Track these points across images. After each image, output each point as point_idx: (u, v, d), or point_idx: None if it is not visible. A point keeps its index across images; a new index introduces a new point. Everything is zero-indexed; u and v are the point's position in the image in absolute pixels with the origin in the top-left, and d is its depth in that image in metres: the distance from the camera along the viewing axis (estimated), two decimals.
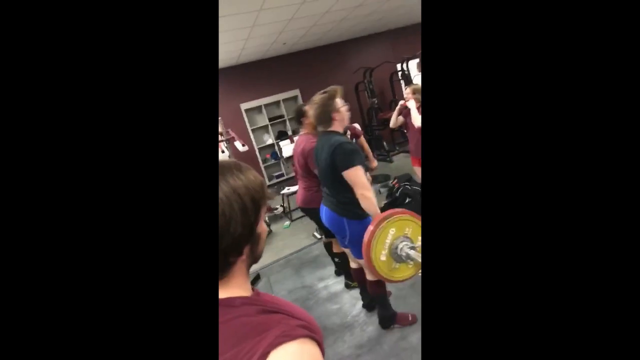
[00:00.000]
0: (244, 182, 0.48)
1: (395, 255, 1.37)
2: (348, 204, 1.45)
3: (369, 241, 1.34)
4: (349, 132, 2.93)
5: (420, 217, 1.39)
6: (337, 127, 1.48)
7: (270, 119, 5.62)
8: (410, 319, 1.71)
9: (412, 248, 1.37)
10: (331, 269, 2.49)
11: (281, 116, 5.68)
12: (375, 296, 1.67)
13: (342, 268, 2.23)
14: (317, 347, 0.43)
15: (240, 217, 0.46)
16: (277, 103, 5.67)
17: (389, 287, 1.87)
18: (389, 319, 1.72)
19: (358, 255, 1.54)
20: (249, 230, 0.48)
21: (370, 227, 1.34)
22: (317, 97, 1.47)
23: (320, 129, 1.53)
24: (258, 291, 0.52)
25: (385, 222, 1.34)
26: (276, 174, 5.72)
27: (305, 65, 5.65)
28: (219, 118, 5.16)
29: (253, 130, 5.57)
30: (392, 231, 1.36)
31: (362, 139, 2.75)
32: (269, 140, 5.68)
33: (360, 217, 1.47)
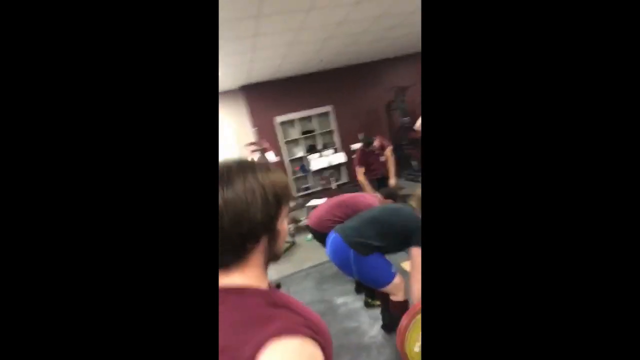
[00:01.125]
0: (270, 178, 0.50)
1: None
2: (366, 244, 1.40)
3: (402, 328, 1.23)
4: (376, 141, 2.93)
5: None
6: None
7: (302, 133, 5.76)
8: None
9: None
10: (351, 285, 2.45)
11: (312, 131, 5.81)
12: (383, 300, 1.62)
13: (362, 285, 2.19)
14: (319, 350, 0.43)
15: (261, 205, 0.48)
16: (309, 118, 5.81)
17: None
18: (390, 325, 1.65)
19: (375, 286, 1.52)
20: (268, 220, 0.50)
21: (406, 317, 1.23)
22: None
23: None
24: (274, 289, 0.53)
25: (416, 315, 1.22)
26: (304, 186, 5.81)
27: (339, 82, 5.78)
28: (255, 128, 5.38)
29: (286, 143, 5.74)
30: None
31: (388, 152, 2.73)
32: (300, 153, 5.81)
33: (370, 252, 1.42)
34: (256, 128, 5.42)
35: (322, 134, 5.86)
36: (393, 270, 1.52)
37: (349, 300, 2.32)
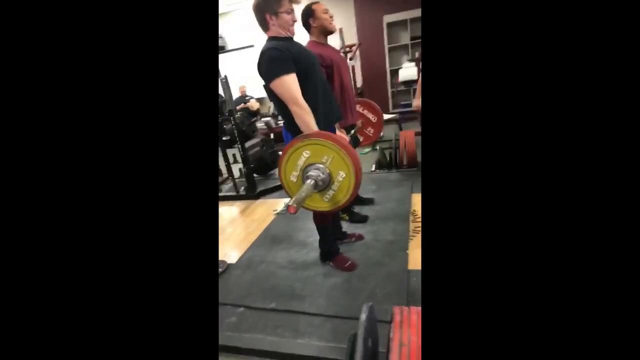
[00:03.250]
0: None
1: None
2: (290, 117, 1.31)
3: (281, 157, 1.23)
4: None
5: (347, 148, 1.13)
6: (274, 32, 1.25)
7: (412, 39, 4.93)
8: (347, 264, 1.55)
9: (322, 179, 1.17)
10: None
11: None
12: (317, 226, 1.57)
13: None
14: None
15: None
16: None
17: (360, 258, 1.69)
18: (326, 254, 1.61)
19: None
20: None
21: (285, 149, 1.21)
22: None
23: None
24: None
25: (300, 142, 1.17)
26: (403, 102, 5.24)
27: None
28: (341, 28, 4.92)
29: (390, 50, 5.10)
30: (305, 154, 1.18)
31: None
32: (406, 63, 5.10)
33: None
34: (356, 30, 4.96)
35: None
36: None
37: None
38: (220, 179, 3.01)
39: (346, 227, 1.91)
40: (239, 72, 5.27)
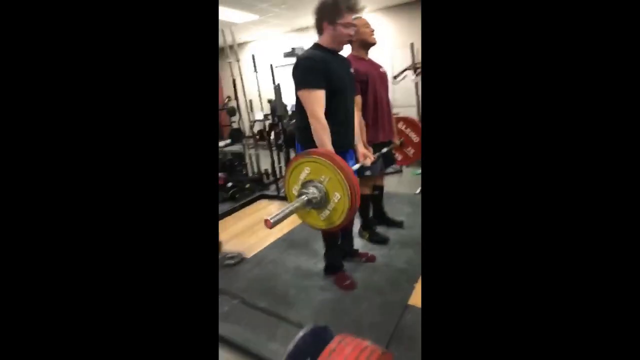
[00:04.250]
0: None
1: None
2: (304, 129, 1.32)
3: (287, 169, 1.27)
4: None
5: (344, 170, 1.12)
6: (325, 41, 1.28)
7: None
8: (346, 283, 1.49)
9: (316, 197, 1.17)
10: None
11: None
12: (324, 238, 1.56)
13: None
14: None
15: None
16: None
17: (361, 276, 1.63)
18: (329, 268, 1.57)
19: None
20: None
21: (291, 161, 1.24)
22: None
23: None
24: None
25: (303, 157, 1.19)
26: None
27: None
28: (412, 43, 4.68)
29: None
30: (306, 170, 1.20)
31: None
32: None
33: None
34: None
35: None
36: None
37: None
38: (267, 181, 3.21)
39: (363, 245, 1.85)
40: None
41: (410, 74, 3.75)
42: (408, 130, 2.08)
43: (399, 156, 2.12)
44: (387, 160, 1.88)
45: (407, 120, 2.09)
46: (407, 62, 3.85)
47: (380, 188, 2.01)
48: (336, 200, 1.17)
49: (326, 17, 1.23)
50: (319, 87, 1.20)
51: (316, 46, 1.29)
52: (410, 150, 2.11)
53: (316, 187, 1.18)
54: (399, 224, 2.08)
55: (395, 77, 3.81)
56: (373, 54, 1.75)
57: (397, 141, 1.95)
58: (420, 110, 4.01)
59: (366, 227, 1.93)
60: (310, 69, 1.20)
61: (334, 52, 1.29)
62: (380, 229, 1.98)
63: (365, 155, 1.43)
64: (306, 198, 1.16)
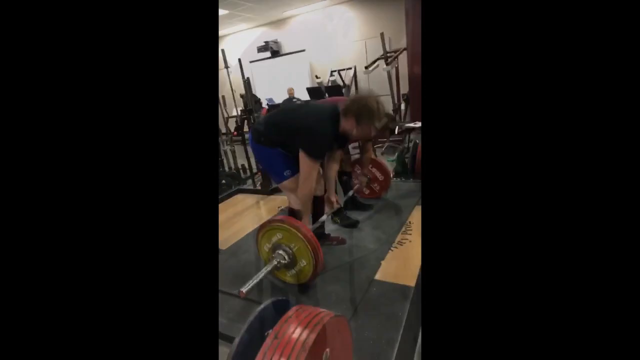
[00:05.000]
0: None
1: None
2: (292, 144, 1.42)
3: (260, 228, 1.40)
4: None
5: (311, 242, 1.28)
6: (345, 126, 1.41)
7: None
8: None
9: (285, 262, 1.34)
10: None
11: None
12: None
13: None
14: None
15: None
16: None
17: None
18: None
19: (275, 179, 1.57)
20: None
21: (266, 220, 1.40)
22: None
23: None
24: None
25: (276, 223, 1.34)
26: None
27: None
28: (382, 33, 4.77)
29: None
30: (279, 234, 1.35)
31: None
32: None
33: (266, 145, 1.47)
34: None
35: None
36: (286, 173, 1.50)
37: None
38: (244, 176, 3.23)
39: (334, 229, 1.91)
40: (290, 76, 5.63)
41: (382, 63, 3.82)
42: (374, 170, 2.30)
43: (366, 191, 2.34)
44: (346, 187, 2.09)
45: (374, 162, 2.31)
46: (379, 52, 3.92)
47: (349, 174, 2.08)
48: (302, 265, 1.34)
49: (360, 116, 1.36)
50: (321, 159, 1.42)
51: (334, 117, 1.41)
52: (377, 187, 2.34)
53: (285, 251, 1.34)
54: (368, 207, 2.16)
55: (366, 67, 3.87)
56: (344, 47, 1.78)
57: (364, 179, 2.22)
58: (396, 99, 4.09)
59: (337, 212, 2.00)
60: (322, 145, 1.39)
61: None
62: (352, 214, 2.05)
63: (333, 202, 1.69)
64: (276, 262, 1.33)
